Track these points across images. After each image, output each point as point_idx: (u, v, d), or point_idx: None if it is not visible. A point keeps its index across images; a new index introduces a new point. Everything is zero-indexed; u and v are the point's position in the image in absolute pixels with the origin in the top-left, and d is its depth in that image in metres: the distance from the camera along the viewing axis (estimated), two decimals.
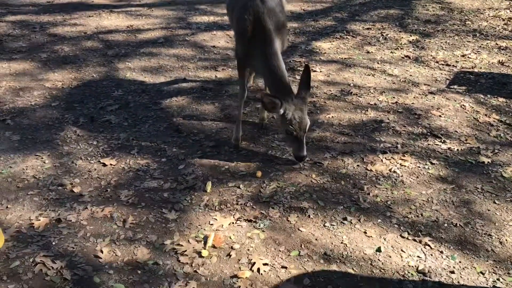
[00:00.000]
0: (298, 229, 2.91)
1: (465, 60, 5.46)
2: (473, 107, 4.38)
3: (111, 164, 3.50)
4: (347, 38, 6.15)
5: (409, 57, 5.54)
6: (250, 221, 2.97)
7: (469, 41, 6.06)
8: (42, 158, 3.58)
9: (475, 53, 5.66)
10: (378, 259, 2.69)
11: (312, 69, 5.15)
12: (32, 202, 3.11)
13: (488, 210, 3.08)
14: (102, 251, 2.71)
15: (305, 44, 5.91)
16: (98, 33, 6.17)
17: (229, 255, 2.70)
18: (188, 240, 2.81)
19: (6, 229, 2.85)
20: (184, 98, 4.51)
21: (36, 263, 2.63)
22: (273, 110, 3.31)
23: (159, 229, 2.90)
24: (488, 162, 3.56)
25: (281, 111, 3.30)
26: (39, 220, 2.95)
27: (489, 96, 4.59)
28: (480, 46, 5.89)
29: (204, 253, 2.70)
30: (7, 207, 3.07)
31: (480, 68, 5.25)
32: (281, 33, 3.61)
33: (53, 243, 2.78)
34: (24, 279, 2.53)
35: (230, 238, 2.83)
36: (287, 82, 3.41)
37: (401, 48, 5.82)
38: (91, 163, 3.53)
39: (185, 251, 2.72)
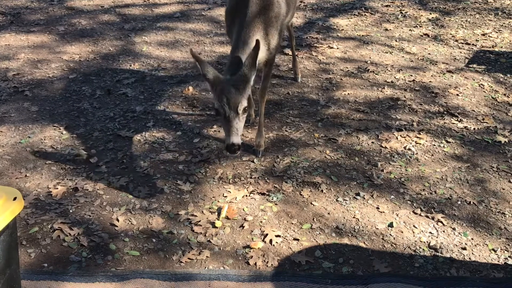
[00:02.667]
0: (311, 203, 2.93)
1: (486, 39, 5.36)
2: (491, 87, 4.31)
3: (127, 136, 3.55)
4: (365, 15, 6.06)
5: (428, 35, 5.45)
6: (263, 194, 3.00)
7: (491, 20, 5.93)
8: (59, 129, 3.64)
9: (496, 32, 5.55)
10: (390, 234, 2.70)
11: (329, 46, 5.11)
12: (50, 171, 3.18)
13: (503, 189, 3.06)
14: (118, 220, 2.77)
15: (322, 21, 5.84)
16: (115, 7, 6.17)
17: (242, 226, 2.74)
18: (202, 211, 2.85)
19: (25, 196, 2.92)
20: (200, 73, 4.51)
21: (54, 229, 2.70)
22: (204, 74, 2.82)
23: (174, 200, 2.95)
24: (505, 141, 3.52)
25: (209, 80, 2.81)
26: (57, 188, 3.01)
27: (508, 75, 4.51)
28: (502, 25, 5.77)
29: (218, 223, 2.74)
30: (26, 175, 3.14)
31: (501, 47, 5.16)
32: (268, 22, 3.12)
33: (70, 211, 2.84)
34: (42, 244, 2.60)
35: (243, 210, 2.87)
36: (238, 60, 2.90)
37: (420, 26, 5.72)
38: (107, 134, 3.57)
39: (199, 221, 2.76)
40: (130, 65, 4.67)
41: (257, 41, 2.79)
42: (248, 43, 2.98)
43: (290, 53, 4.91)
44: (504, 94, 4.18)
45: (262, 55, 3.08)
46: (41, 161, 3.27)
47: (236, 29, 3.09)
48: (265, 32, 3.10)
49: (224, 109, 2.71)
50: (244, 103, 2.75)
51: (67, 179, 3.10)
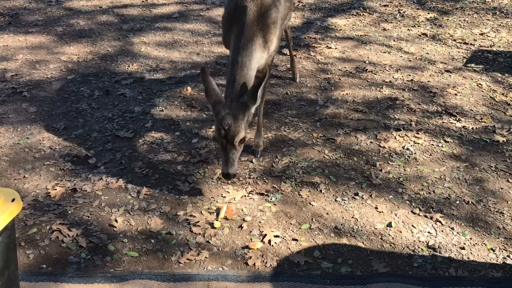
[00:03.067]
0: (310, 203, 2.93)
1: (484, 39, 5.37)
2: (489, 86, 4.32)
3: (125, 137, 3.54)
4: (363, 15, 6.07)
5: (426, 35, 5.46)
6: (262, 194, 3.00)
7: (488, 19, 5.94)
8: (58, 130, 3.63)
9: (494, 32, 5.56)
10: (389, 234, 2.70)
11: (327, 46, 5.11)
12: (49, 172, 3.17)
13: (501, 188, 3.06)
14: (116, 220, 2.77)
15: (320, 21, 5.85)
16: (113, 8, 6.17)
17: (240, 226, 2.74)
18: (201, 212, 2.85)
19: (23, 197, 2.91)
20: (198, 73, 4.52)
21: (52, 230, 2.70)
22: (207, 96, 2.87)
23: (173, 200, 2.95)
24: (503, 141, 3.53)
25: (212, 105, 2.85)
26: (55, 189, 3.01)
27: (506, 75, 4.52)
28: (500, 25, 5.77)
29: (216, 224, 2.74)
30: (24, 176, 3.13)
31: (499, 46, 5.16)
32: (267, 29, 3.08)
33: (69, 211, 2.84)
34: (41, 245, 2.60)
35: (242, 210, 2.87)
36: (239, 82, 2.87)
37: (418, 26, 5.73)
38: (106, 135, 3.57)
39: (198, 222, 2.76)
40: (129, 66, 4.66)
41: (266, 71, 2.84)
42: (248, 54, 2.93)
43: (288, 53, 4.91)
44: (502, 94, 4.19)
45: (261, 61, 3.08)
46: (39, 162, 3.27)
47: (234, 38, 3.03)
48: (264, 39, 3.06)
49: (222, 141, 2.78)
50: (241, 135, 2.79)
51: (65, 180, 3.10)
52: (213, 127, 2.82)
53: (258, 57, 3.02)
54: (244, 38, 2.95)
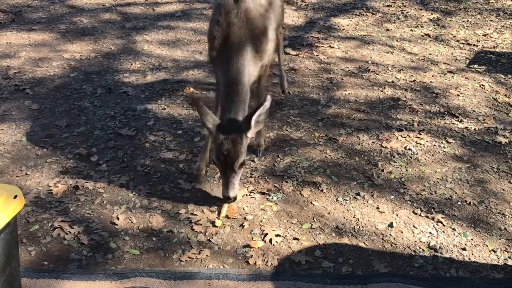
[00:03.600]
0: (311, 203, 2.93)
1: (487, 40, 5.36)
2: (492, 87, 4.31)
3: (127, 135, 3.55)
4: (366, 15, 6.06)
5: (429, 36, 5.45)
6: (263, 193, 3.00)
7: (492, 20, 5.93)
8: (60, 127, 3.64)
9: (498, 33, 5.55)
10: (390, 234, 2.70)
11: (330, 45, 5.11)
12: (51, 170, 3.18)
13: (503, 189, 3.06)
14: (118, 218, 2.78)
15: (323, 20, 5.84)
16: (116, 6, 6.17)
17: (242, 225, 2.75)
18: (202, 210, 2.85)
19: (25, 194, 2.92)
20: (201, 72, 4.52)
21: (54, 227, 2.70)
22: (203, 123, 2.78)
23: (174, 198, 2.95)
24: (505, 142, 3.52)
25: (210, 130, 2.77)
26: (57, 187, 3.02)
27: (509, 76, 4.51)
28: (503, 26, 5.76)
29: (218, 223, 2.75)
30: (26, 173, 3.14)
31: (502, 48, 5.15)
32: (257, 43, 2.97)
33: (71, 209, 2.85)
34: (43, 242, 2.61)
35: (243, 209, 2.87)
36: (237, 104, 2.81)
37: (421, 26, 5.72)
38: (108, 133, 3.57)
39: (199, 220, 2.77)
40: (131, 64, 4.67)
41: (265, 98, 2.75)
42: (240, 71, 2.85)
43: (291, 52, 4.92)
44: (505, 95, 4.18)
45: (255, 74, 3.02)
46: (41, 159, 3.28)
47: (222, 56, 2.91)
48: (255, 52, 2.95)
49: (221, 166, 2.76)
50: (241, 160, 2.76)
51: (67, 178, 3.11)
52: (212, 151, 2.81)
53: (251, 72, 2.94)
54: (233, 55, 2.85)
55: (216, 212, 2.83)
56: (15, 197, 2.00)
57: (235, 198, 2.82)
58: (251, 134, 2.81)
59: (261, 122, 2.81)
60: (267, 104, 2.74)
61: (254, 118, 2.73)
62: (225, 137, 2.73)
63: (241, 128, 2.76)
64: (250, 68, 2.93)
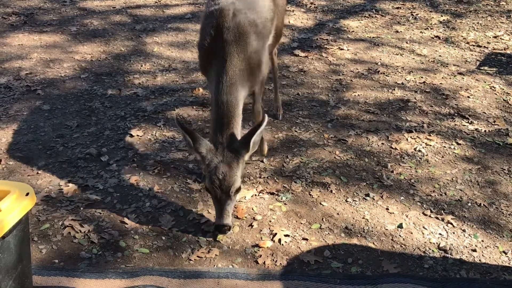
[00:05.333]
0: (320, 204, 2.93)
1: (497, 42, 5.33)
2: (503, 89, 4.29)
3: (137, 135, 3.57)
4: (376, 17, 6.05)
5: (439, 38, 5.43)
6: (272, 194, 3.00)
7: (503, 22, 5.89)
8: (71, 127, 3.67)
9: (508, 35, 5.51)
10: (399, 235, 2.69)
11: (339, 47, 5.10)
12: (61, 169, 3.21)
13: None
14: (128, 217, 2.79)
15: (333, 22, 5.84)
16: (127, 8, 6.22)
17: (251, 225, 2.75)
18: (211, 210, 2.85)
19: (36, 193, 2.94)
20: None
21: (65, 226, 2.72)
22: (190, 149, 2.65)
23: (184, 198, 2.96)
24: None
25: (202, 155, 2.58)
26: (68, 186, 3.04)
27: None
28: None
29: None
30: (37, 172, 3.17)
31: None
32: (250, 60, 2.81)
33: (81, 208, 2.87)
34: (53, 241, 2.63)
35: (252, 209, 2.87)
36: (230, 125, 2.65)
37: (431, 28, 5.70)
38: (118, 133, 3.60)
39: (208, 220, 2.77)
40: (141, 65, 4.70)
41: (263, 118, 2.62)
42: (233, 91, 2.70)
43: (300, 54, 4.92)
44: None
45: (248, 91, 2.89)
46: (52, 159, 3.31)
47: (214, 73, 2.77)
48: (248, 70, 2.81)
49: (216, 192, 2.55)
50: (237, 185, 2.58)
51: (78, 177, 3.13)
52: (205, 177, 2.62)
53: (244, 90, 2.82)
54: (225, 74, 2.70)
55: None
56: (27, 194, 2.03)
57: (230, 229, 2.61)
58: (247, 156, 2.65)
59: (257, 143, 2.64)
60: (264, 124, 2.58)
61: (253, 140, 2.56)
62: (220, 159, 2.57)
63: (238, 150, 2.59)
64: (243, 89, 2.79)
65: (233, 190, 2.57)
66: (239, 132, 2.71)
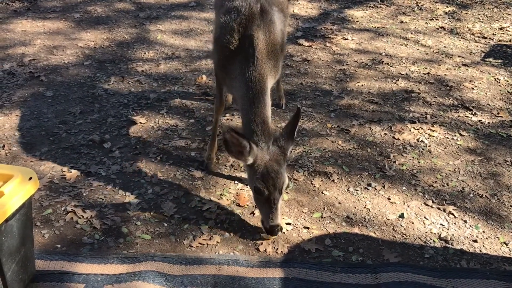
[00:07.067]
0: (322, 193, 2.93)
1: (503, 33, 5.29)
2: (507, 81, 4.26)
3: (140, 123, 3.57)
4: (381, 7, 6.01)
5: (444, 28, 5.39)
6: None
7: (509, 14, 5.85)
8: (74, 114, 3.67)
9: None
10: (401, 225, 2.70)
11: (343, 37, 5.08)
12: (64, 155, 3.22)
13: None
14: (130, 204, 2.80)
15: (337, 12, 5.81)
16: None
17: (252, 213, 2.76)
18: (213, 197, 2.86)
19: (39, 179, 2.95)
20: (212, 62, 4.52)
21: (67, 211, 2.74)
22: (239, 155, 2.47)
23: (186, 185, 2.97)
24: None
25: (250, 159, 2.48)
26: (71, 172, 3.05)
27: None
28: None
29: (229, 210, 2.76)
30: (40, 158, 3.18)
31: None
32: (276, 58, 2.83)
33: (84, 194, 2.88)
34: (56, 226, 2.64)
35: None
36: (268, 123, 2.60)
37: (436, 19, 5.67)
38: (121, 120, 3.60)
39: (210, 207, 2.78)
40: (145, 53, 4.69)
41: (298, 109, 2.54)
42: (265, 90, 2.64)
43: (304, 43, 4.90)
44: None
45: (274, 79, 2.90)
46: (55, 145, 3.31)
47: (240, 70, 2.67)
48: (274, 68, 2.82)
49: (269, 190, 2.45)
50: (287, 181, 2.54)
51: (80, 163, 3.14)
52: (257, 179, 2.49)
53: (272, 81, 2.84)
54: (255, 71, 2.63)
55: (227, 200, 2.83)
56: (30, 179, 2.04)
57: (281, 228, 2.56)
58: (289, 152, 2.61)
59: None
60: (300, 116, 2.57)
61: (295, 134, 2.55)
62: (269, 159, 2.49)
63: (284, 146, 2.55)
64: (270, 86, 2.76)
65: (285, 187, 2.53)
66: (270, 126, 2.64)
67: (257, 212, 2.76)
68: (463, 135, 3.49)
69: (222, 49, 2.79)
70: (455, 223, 2.71)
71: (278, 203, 2.50)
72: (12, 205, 1.93)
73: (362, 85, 4.16)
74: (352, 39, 5.05)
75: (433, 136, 3.47)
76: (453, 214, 2.77)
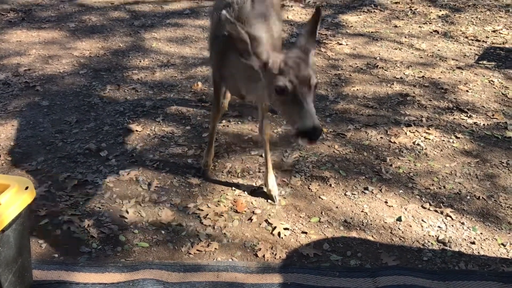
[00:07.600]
0: (319, 197, 2.93)
1: (496, 36, 5.32)
2: (502, 83, 4.29)
3: (136, 131, 3.57)
4: (374, 12, 6.05)
5: (438, 32, 5.42)
6: None
7: (501, 17, 5.89)
8: (70, 123, 3.67)
9: (507, 29, 5.51)
10: (398, 228, 2.70)
11: (338, 42, 5.10)
12: (61, 164, 3.21)
13: None
14: (127, 212, 2.80)
15: (331, 17, 5.84)
16: (125, 4, 6.21)
17: (250, 219, 2.76)
18: (211, 204, 2.86)
19: (36, 188, 2.94)
20: (209, 69, 4.53)
21: (64, 221, 2.73)
22: (247, 54, 2.19)
23: (183, 192, 2.97)
24: None
25: (260, 55, 2.19)
26: (67, 181, 3.05)
27: None
28: None
29: (226, 216, 2.76)
30: (37, 168, 3.17)
31: None
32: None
33: (81, 203, 2.87)
34: (53, 235, 2.63)
35: (252, 203, 2.88)
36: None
37: (430, 23, 5.70)
38: (117, 128, 3.60)
39: (208, 214, 2.78)
40: (140, 61, 4.70)
41: (318, 9, 2.29)
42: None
43: None
44: None
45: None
46: (52, 154, 3.31)
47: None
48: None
49: (293, 84, 2.09)
50: (315, 78, 2.16)
51: (77, 172, 3.13)
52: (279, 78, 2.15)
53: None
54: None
55: (225, 206, 2.83)
56: (27, 188, 2.03)
57: (321, 131, 2.08)
58: (313, 53, 2.31)
59: None
60: (319, 14, 2.30)
61: (317, 33, 2.28)
62: (295, 56, 2.19)
63: (304, 46, 2.26)
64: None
65: (313, 83, 2.14)
66: None
67: (254, 218, 2.76)
68: (459, 138, 3.51)
69: (220, 54, 2.68)
70: (452, 226, 2.72)
71: (311, 101, 2.09)
72: (9, 215, 1.92)
73: (357, 89, 4.18)
74: (347, 44, 5.07)
75: (429, 139, 3.48)
76: (450, 217, 2.77)
